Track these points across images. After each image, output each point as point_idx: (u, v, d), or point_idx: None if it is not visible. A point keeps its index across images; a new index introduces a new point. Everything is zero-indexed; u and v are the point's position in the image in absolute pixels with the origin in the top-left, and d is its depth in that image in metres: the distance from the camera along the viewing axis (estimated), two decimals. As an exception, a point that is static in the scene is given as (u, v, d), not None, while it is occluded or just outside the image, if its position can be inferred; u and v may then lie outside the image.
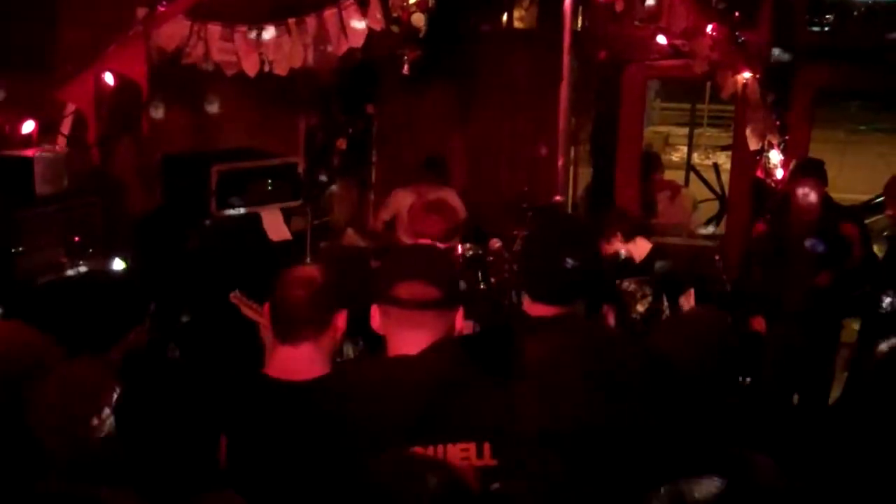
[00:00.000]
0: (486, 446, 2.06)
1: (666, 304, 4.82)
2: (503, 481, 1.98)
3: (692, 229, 7.51)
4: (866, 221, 6.02)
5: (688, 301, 4.99)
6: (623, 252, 5.25)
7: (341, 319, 2.60)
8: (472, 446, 2.07)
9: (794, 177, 5.48)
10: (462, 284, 2.37)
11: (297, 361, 2.54)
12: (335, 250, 6.33)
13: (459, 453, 2.05)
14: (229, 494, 2.11)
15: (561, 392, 1.85)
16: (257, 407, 2.47)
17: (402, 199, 6.40)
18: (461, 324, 2.29)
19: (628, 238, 5.28)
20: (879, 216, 7.31)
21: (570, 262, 2.70)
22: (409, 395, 2.09)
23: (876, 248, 5.77)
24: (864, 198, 8.69)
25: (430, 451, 2.05)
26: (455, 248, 4.98)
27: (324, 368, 2.55)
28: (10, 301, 3.81)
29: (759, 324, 5.44)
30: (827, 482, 2.23)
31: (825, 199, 5.38)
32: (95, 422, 2.17)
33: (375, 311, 2.29)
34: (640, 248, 5.26)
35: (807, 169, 5.46)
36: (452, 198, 6.44)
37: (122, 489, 2.05)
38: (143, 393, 2.09)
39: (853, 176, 9.12)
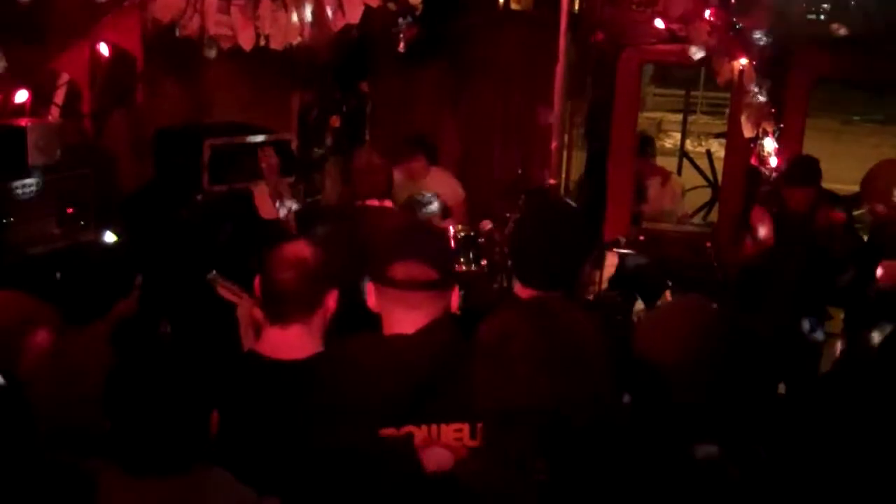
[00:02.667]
0: (480, 427, 2.05)
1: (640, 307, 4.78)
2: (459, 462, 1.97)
3: (681, 216, 7.51)
4: (856, 213, 6.03)
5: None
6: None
7: (332, 299, 2.59)
8: (465, 427, 2.08)
9: (787, 181, 5.51)
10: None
11: (288, 341, 2.53)
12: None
13: (453, 434, 2.06)
14: (219, 471, 2.11)
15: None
16: (249, 385, 2.47)
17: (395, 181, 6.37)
18: (457, 304, 2.29)
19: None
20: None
21: (559, 246, 2.69)
22: (403, 375, 2.09)
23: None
24: (857, 188, 8.70)
25: (424, 430, 2.06)
26: (447, 229, 4.99)
27: (316, 347, 2.54)
28: (1, 271, 3.80)
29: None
30: (811, 470, 2.23)
31: (817, 196, 5.44)
32: (86, 392, 2.18)
33: (371, 290, 2.28)
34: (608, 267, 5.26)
35: (798, 175, 5.49)
36: (447, 178, 6.43)
37: (112, 461, 2.05)
38: (133, 367, 2.08)
39: (846, 166, 9.11)
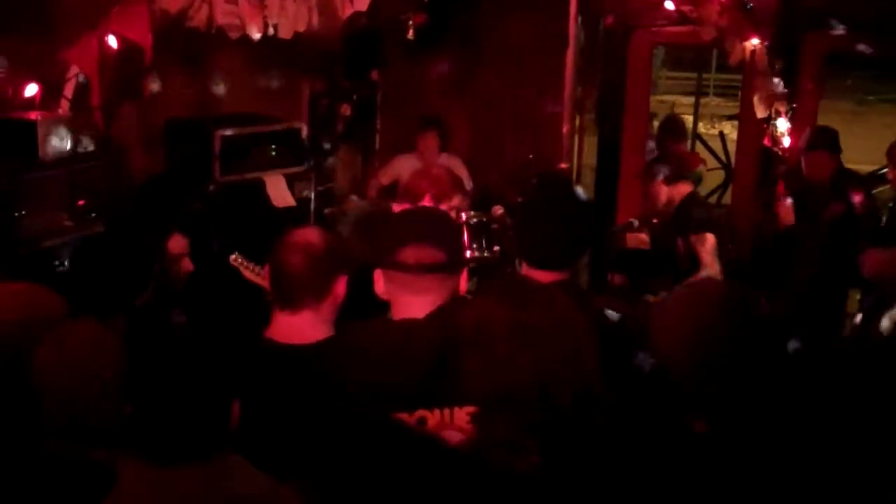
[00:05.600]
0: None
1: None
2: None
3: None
4: (872, 192, 5.99)
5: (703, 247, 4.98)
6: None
7: (341, 285, 2.58)
8: None
9: (807, 147, 5.49)
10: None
11: (299, 326, 2.52)
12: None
13: (465, 417, 2.04)
14: (238, 458, 2.11)
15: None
16: (261, 370, 2.46)
17: (403, 164, 6.36)
18: (465, 286, 2.27)
19: (671, 182, 5.32)
20: (885, 186, 7.27)
21: (562, 227, 2.70)
22: (414, 359, 2.07)
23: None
24: (871, 168, 8.64)
25: (437, 414, 2.05)
26: (458, 215, 4.97)
27: (326, 332, 2.54)
28: (14, 264, 3.81)
29: None
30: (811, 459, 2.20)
31: (838, 167, 5.40)
32: (96, 385, 2.17)
33: (379, 276, 2.26)
34: (680, 191, 5.31)
35: (818, 140, 5.46)
36: (457, 165, 6.41)
37: (120, 451, 2.05)
38: (152, 358, 2.08)
39: (860, 146, 9.04)
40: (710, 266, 4.98)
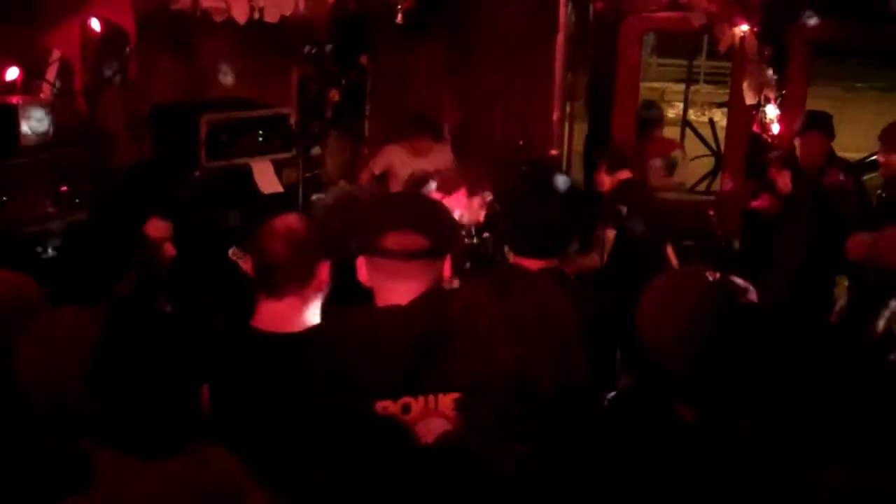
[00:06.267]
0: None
1: None
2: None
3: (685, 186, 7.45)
4: (861, 178, 5.99)
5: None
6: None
7: (325, 270, 2.56)
8: None
9: (800, 129, 5.51)
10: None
11: (283, 314, 2.50)
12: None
13: (451, 404, 2.03)
14: (214, 448, 2.08)
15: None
16: (244, 358, 2.44)
17: (395, 155, 6.33)
18: (449, 272, 2.25)
19: (611, 170, 5.46)
20: (875, 174, 7.27)
21: (548, 213, 2.68)
22: (398, 346, 2.05)
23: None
24: (860, 156, 8.64)
25: (421, 401, 2.03)
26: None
27: (311, 320, 2.52)
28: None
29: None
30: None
31: (829, 151, 5.43)
32: (80, 373, 2.14)
33: (362, 263, 2.24)
34: (619, 178, 5.47)
35: (811, 122, 5.49)
36: (444, 153, 6.39)
37: (103, 441, 2.02)
38: (121, 341, 2.04)
39: (850, 133, 9.04)
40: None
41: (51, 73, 4.31)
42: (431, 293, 2.15)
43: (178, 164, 5.07)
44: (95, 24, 4.33)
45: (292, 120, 5.67)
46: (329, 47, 6.62)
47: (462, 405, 1.87)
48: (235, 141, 5.24)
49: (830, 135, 5.47)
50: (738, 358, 2.01)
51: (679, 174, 7.07)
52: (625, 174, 5.48)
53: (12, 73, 4.13)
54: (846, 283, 5.53)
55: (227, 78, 5.67)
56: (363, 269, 2.23)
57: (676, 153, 7.05)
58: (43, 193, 4.13)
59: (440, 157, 6.31)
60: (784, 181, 5.49)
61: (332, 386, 2.10)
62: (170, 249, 3.97)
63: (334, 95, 6.76)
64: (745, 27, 5.91)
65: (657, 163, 6.95)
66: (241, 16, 4.66)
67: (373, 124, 7.32)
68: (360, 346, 2.10)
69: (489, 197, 5.41)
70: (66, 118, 4.31)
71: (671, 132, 9.50)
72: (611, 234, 5.20)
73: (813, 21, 6.15)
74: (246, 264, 3.35)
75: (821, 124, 5.47)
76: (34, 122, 4.02)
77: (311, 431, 2.02)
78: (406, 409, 2.04)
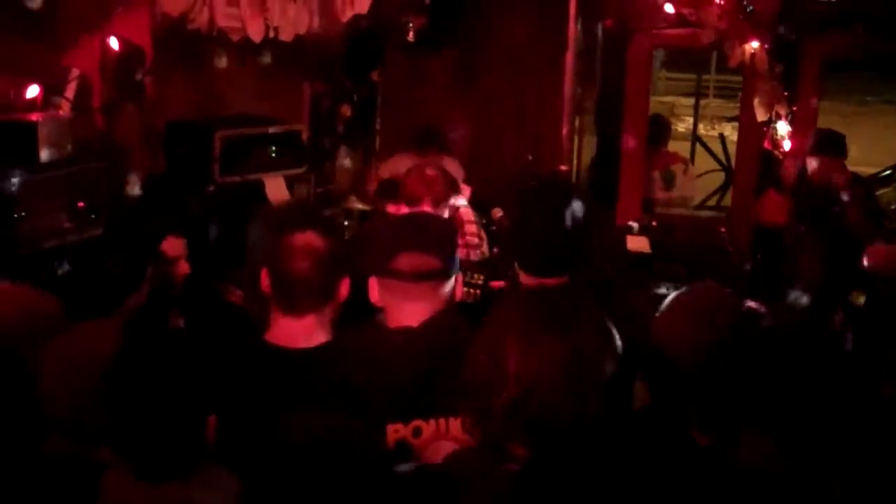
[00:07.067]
0: None
1: None
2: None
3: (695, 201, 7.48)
4: (875, 194, 6.01)
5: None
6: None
7: (344, 286, 2.57)
8: None
9: (813, 149, 5.52)
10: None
11: (300, 331, 2.49)
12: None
13: (461, 426, 2.04)
14: (220, 472, 2.10)
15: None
16: (257, 374, 2.45)
17: (404, 165, 6.36)
18: (461, 292, 2.27)
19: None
20: (887, 189, 7.28)
21: (556, 230, 2.68)
22: (410, 368, 2.07)
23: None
24: (872, 170, 8.64)
25: (432, 424, 2.04)
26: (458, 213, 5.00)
27: (325, 336, 2.52)
28: (12, 265, 3.81)
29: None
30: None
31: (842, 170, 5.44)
32: (97, 386, 2.18)
33: (374, 284, 2.26)
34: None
35: (821, 144, 5.49)
36: (454, 166, 6.42)
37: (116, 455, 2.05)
38: (135, 360, 2.07)
39: (861, 146, 9.06)
40: None
41: (70, 91, 4.36)
42: (443, 314, 2.17)
43: (192, 180, 5.12)
44: (114, 43, 4.38)
45: (304, 136, 5.72)
46: (341, 64, 6.68)
47: (468, 420, 1.87)
48: (249, 156, 5.29)
49: (841, 155, 5.46)
50: (752, 374, 2.01)
51: (683, 188, 7.10)
52: None
53: (32, 91, 4.18)
54: (861, 300, 5.54)
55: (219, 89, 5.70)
56: (375, 290, 2.25)
57: (676, 166, 7.10)
58: (60, 209, 4.17)
59: (449, 168, 6.34)
60: (789, 169, 5.44)
61: (342, 403, 2.11)
62: (184, 267, 4.00)
63: (346, 111, 6.81)
64: (755, 44, 5.93)
65: (656, 176, 7.00)
66: (256, 35, 4.72)
67: (383, 140, 7.36)
68: (373, 366, 2.11)
69: (500, 213, 5.45)
70: (85, 135, 4.36)
71: (681, 146, 9.54)
72: None
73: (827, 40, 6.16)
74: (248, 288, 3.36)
75: (830, 147, 5.46)
76: (53, 139, 4.06)
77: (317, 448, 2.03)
78: (417, 432, 2.05)
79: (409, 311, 2.18)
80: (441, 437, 2.03)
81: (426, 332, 2.13)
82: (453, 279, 2.24)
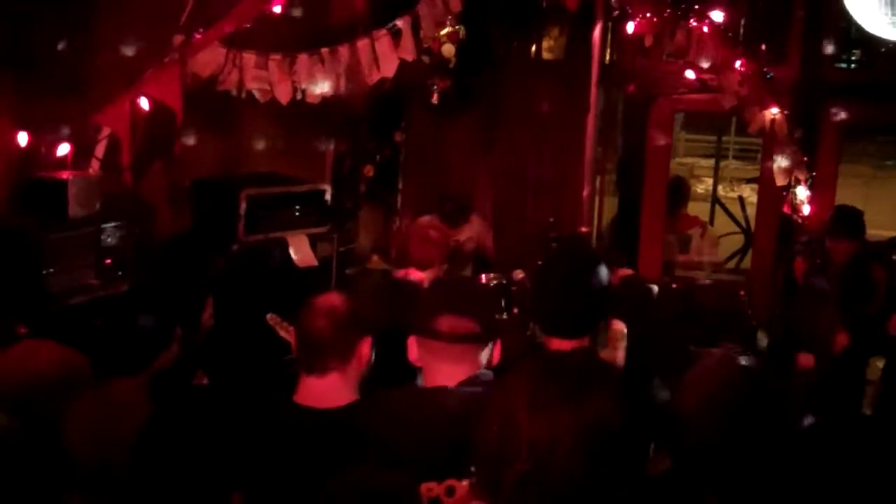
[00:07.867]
0: None
1: None
2: None
3: (716, 265, 7.46)
4: (893, 258, 5.99)
5: None
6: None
7: (366, 346, 2.61)
8: None
9: (830, 233, 5.51)
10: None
11: (325, 390, 2.54)
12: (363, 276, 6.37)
13: (470, 491, 2.05)
14: None
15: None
16: (289, 435, 2.47)
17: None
18: (498, 356, 2.30)
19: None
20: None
21: (578, 293, 2.70)
22: (445, 427, 2.09)
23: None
24: (891, 234, 8.63)
25: (465, 484, 2.06)
26: (480, 278, 5.03)
27: (352, 396, 2.56)
28: (41, 322, 3.85)
29: (806, 360, 5.39)
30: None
31: (859, 248, 5.42)
32: (124, 442, 2.20)
33: (413, 343, 2.30)
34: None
35: (839, 226, 5.49)
36: (481, 229, 6.49)
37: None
38: (166, 425, 2.09)
39: (879, 210, 9.06)
40: None
41: (100, 150, 4.44)
42: (479, 376, 2.20)
43: (218, 237, 5.18)
44: (144, 103, 4.47)
45: (328, 195, 5.79)
46: (365, 124, 6.78)
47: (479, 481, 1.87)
48: (273, 215, 5.35)
49: (859, 236, 5.46)
50: (767, 446, 2.02)
51: (701, 252, 7.09)
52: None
53: (63, 150, 4.26)
54: (881, 365, 5.50)
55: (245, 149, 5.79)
56: (414, 349, 2.30)
57: (693, 230, 7.10)
58: (87, 266, 4.22)
59: (472, 227, 6.41)
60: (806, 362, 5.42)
61: (374, 462, 2.12)
62: (208, 320, 4.03)
63: (369, 171, 6.89)
64: (775, 110, 5.98)
65: (670, 239, 7.01)
66: (284, 97, 4.79)
67: (406, 199, 7.42)
68: (406, 425, 2.13)
69: (521, 274, 5.47)
70: (112, 192, 4.43)
71: (701, 208, 9.55)
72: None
73: (841, 116, 6.21)
74: (283, 331, 3.42)
75: (848, 229, 5.46)
76: (83, 197, 4.13)
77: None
78: (450, 491, 2.07)
79: (445, 371, 2.23)
80: (474, 498, 2.04)
81: (461, 393, 2.16)
82: (491, 344, 2.29)
